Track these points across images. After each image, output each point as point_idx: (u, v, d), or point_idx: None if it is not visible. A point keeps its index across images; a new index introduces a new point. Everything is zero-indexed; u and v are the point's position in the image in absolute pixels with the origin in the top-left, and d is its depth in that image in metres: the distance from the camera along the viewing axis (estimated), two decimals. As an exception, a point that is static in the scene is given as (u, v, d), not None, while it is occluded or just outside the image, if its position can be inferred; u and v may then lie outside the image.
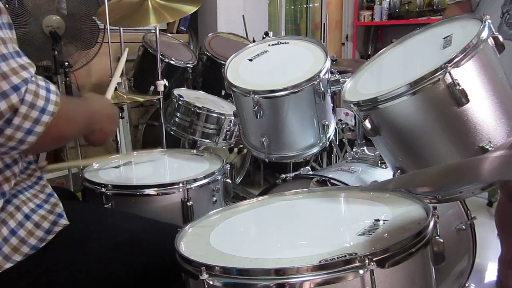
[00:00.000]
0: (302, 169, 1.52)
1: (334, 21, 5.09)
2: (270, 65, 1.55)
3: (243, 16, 3.30)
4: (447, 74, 0.96)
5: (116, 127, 1.06)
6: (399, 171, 1.13)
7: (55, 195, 0.95)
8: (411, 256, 0.74)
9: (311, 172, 1.50)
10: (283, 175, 1.47)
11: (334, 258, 0.72)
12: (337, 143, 1.73)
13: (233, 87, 1.43)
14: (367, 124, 1.09)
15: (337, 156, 2.44)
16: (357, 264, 0.69)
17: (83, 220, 0.99)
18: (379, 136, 1.11)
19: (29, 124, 0.72)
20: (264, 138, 1.46)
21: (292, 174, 1.48)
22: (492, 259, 2.05)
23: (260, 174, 3.17)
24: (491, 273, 2.07)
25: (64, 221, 0.92)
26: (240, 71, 1.52)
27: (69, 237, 0.92)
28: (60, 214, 0.92)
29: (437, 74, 0.97)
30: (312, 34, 5.12)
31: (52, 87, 0.76)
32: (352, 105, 1.12)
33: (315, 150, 1.52)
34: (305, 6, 5.08)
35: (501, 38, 1.05)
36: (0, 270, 0.84)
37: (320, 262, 0.71)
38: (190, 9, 2.26)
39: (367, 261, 0.69)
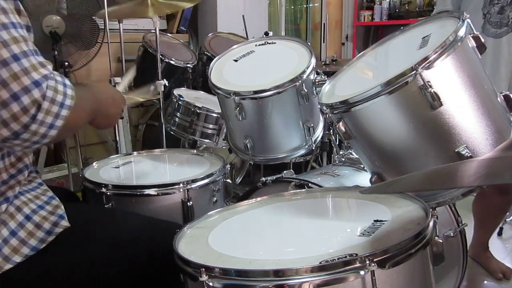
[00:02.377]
0: (284, 172, 1.50)
1: (334, 21, 5.09)
2: (255, 65, 1.53)
3: (243, 16, 3.29)
4: (418, 76, 0.93)
5: (121, 110, 1.08)
6: (376, 176, 1.11)
7: (57, 198, 0.95)
8: (411, 257, 0.74)
9: (294, 176, 1.47)
10: (263, 178, 1.45)
11: (335, 259, 0.72)
12: (337, 143, 1.72)
13: (215, 88, 1.42)
14: (341, 127, 1.07)
15: (337, 156, 2.44)
16: (358, 265, 0.69)
17: (83, 221, 0.99)
18: (355, 140, 1.09)
19: (51, 119, 0.75)
20: (247, 140, 1.44)
21: (273, 177, 1.45)
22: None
23: (260, 174, 3.16)
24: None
25: (65, 223, 0.92)
26: (224, 72, 1.50)
27: (69, 238, 0.92)
28: (61, 215, 0.92)
29: (406, 76, 0.94)
30: (312, 34, 5.12)
31: (67, 81, 0.79)
32: (325, 108, 1.10)
33: (301, 152, 1.50)
34: (305, 6, 5.09)
35: (482, 38, 1.02)
36: (0, 271, 0.84)
37: (320, 263, 0.71)
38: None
39: (367, 261, 0.69)
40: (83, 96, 0.90)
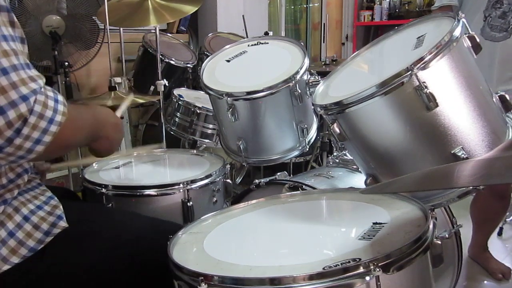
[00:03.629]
0: (278, 173, 1.49)
1: (334, 21, 5.09)
2: (247, 66, 1.51)
3: (243, 16, 3.29)
4: (413, 76, 0.92)
5: (121, 136, 1.07)
6: (370, 177, 1.10)
7: (56, 198, 0.95)
8: (414, 260, 0.73)
9: (288, 178, 1.46)
10: (256, 181, 1.43)
11: (338, 264, 0.70)
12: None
13: (207, 89, 1.40)
14: (336, 128, 1.06)
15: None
16: (362, 270, 0.67)
17: (82, 220, 0.99)
18: (349, 142, 1.08)
19: (37, 134, 0.74)
20: (240, 142, 1.42)
21: (266, 179, 1.43)
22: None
23: (260, 174, 3.16)
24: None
25: (63, 223, 0.92)
26: (216, 72, 1.48)
27: (67, 238, 0.92)
28: (59, 216, 0.92)
29: (401, 77, 0.93)
30: (312, 34, 5.12)
31: (60, 97, 0.78)
32: (319, 109, 1.09)
33: (294, 153, 1.48)
34: (305, 6, 5.08)
35: (477, 38, 1.00)
36: None
37: (324, 268, 0.69)
38: (190, 9, 2.25)
39: (372, 266, 0.67)
40: (81, 115, 0.89)
